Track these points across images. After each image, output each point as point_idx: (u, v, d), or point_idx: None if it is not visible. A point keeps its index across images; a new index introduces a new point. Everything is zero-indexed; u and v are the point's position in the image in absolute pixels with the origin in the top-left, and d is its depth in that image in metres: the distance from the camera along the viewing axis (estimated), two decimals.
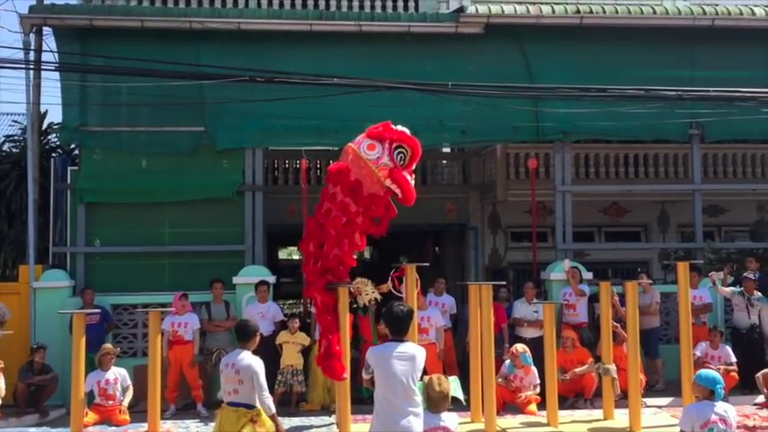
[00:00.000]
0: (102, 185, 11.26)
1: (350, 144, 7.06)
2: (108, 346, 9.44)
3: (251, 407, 5.84)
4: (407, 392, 5.11)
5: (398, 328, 5.32)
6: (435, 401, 5.30)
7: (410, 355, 5.18)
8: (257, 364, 5.86)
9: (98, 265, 11.33)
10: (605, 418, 8.60)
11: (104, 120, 11.46)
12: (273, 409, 5.91)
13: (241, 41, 11.33)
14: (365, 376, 5.41)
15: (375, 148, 6.81)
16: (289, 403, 9.70)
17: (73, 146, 12.31)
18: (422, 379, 5.43)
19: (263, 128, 11.40)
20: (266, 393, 5.90)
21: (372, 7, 13.13)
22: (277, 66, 10.78)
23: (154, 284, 10.91)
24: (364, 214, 6.99)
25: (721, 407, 5.42)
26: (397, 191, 6.88)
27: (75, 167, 11.60)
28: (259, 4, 12.81)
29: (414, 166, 7.12)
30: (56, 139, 13.19)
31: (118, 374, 9.24)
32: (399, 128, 7.01)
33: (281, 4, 12.32)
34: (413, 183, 7.00)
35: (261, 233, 11.51)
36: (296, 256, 29.25)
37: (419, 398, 5.21)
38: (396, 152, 6.83)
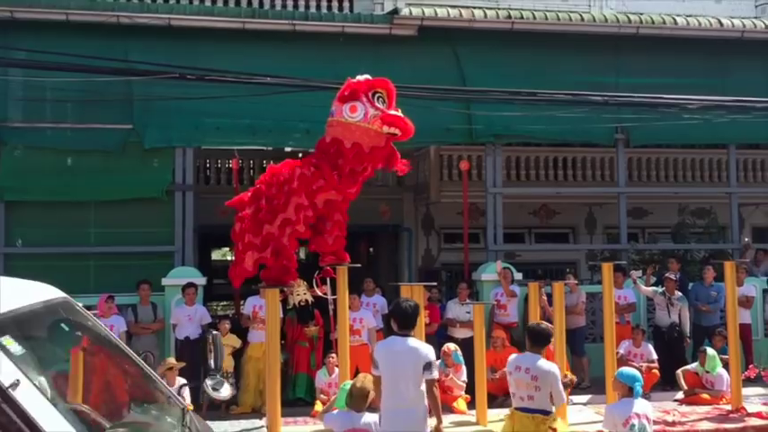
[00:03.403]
0: (24, 183, 10.85)
1: (330, 119, 6.99)
2: None
3: (547, 413, 5.60)
4: (407, 388, 5.09)
5: (405, 323, 5.34)
6: (355, 399, 5.32)
7: (414, 350, 5.18)
8: (557, 370, 5.71)
9: (19, 266, 10.85)
10: None
11: (27, 115, 11.03)
12: None
13: (171, 38, 11.09)
14: (375, 373, 5.36)
15: (357, 109, 6.78)
16: (218, 407, 9.53)
17: None
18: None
19: (194, 126, 11.20)
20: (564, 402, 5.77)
21: (307, 7, 13.08)
22: (209, 63, 10.59)
23: (78, 286, 10.51)
24: (371, 168, 7.02)
25: (639, 404, 5.62)
26: (396, 131, 6.86)
27: None
28: (191, 1, 12.58)
29: (394, 102, 7.09)
30: None
31: None
32: (361, 78, 7.00)
33: (214, 1, 12.15)
34: (403, 116, 7.00)
35: (191, 234, 11.29)
36: (230, 257, 28.82)
37: (421, 396, 5.17)
38: (375, 98, 6.82)
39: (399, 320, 5.37)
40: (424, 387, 5.17)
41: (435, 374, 5.30)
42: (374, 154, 6.88)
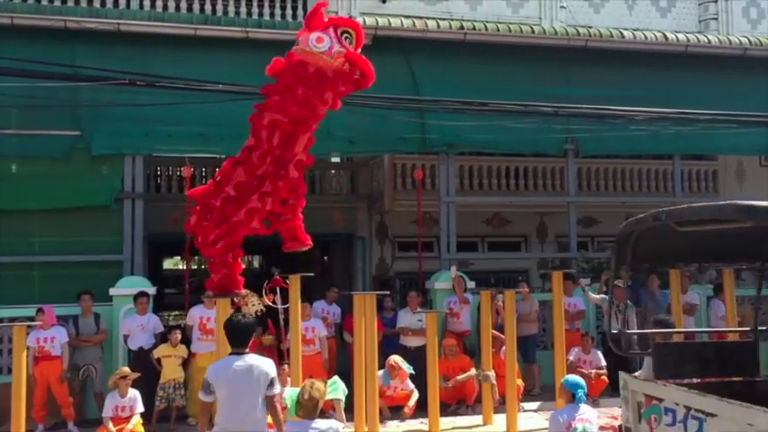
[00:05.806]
0: None
1: (293, 49, 6.76)
2: None
3: None
4: (252, 407, 4.95)
5: (237, 340, 5.14)
6: (306, 409, 5.28)
7: (256, 367, 5.01)
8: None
9: None
10: (484, 423, 8.85)
11: None
12: None
13: (121, 43, 10.91)
14: (205, 399, 5.07)
15: (323, 41, 6.59)
16: (168, 419, 9.35)
17: None
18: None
19: (145, 134, 11.00)
20: None
21: (260, 14, 12.97)
22: (160, 70, 10.44)
23: (22, 297, 10.26)
24: (336, 93, 6.71)
25: (583, 409, 5.75)
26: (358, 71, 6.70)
27: None
28: (141, 6, 12.37)
29: (361, 47, 6.94)
30: None
31: None
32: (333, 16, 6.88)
33: (165, 7, 11.98)
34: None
35: (141, 243, 11.08)
36: (182, 266, 28.40)
37: (265, 414, 5.06)
38: (343, 37, 6.69)
39: (231, 337, 5.16)
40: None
41: (277, 389, 5.15)
42: (338, 77, 6.56)
